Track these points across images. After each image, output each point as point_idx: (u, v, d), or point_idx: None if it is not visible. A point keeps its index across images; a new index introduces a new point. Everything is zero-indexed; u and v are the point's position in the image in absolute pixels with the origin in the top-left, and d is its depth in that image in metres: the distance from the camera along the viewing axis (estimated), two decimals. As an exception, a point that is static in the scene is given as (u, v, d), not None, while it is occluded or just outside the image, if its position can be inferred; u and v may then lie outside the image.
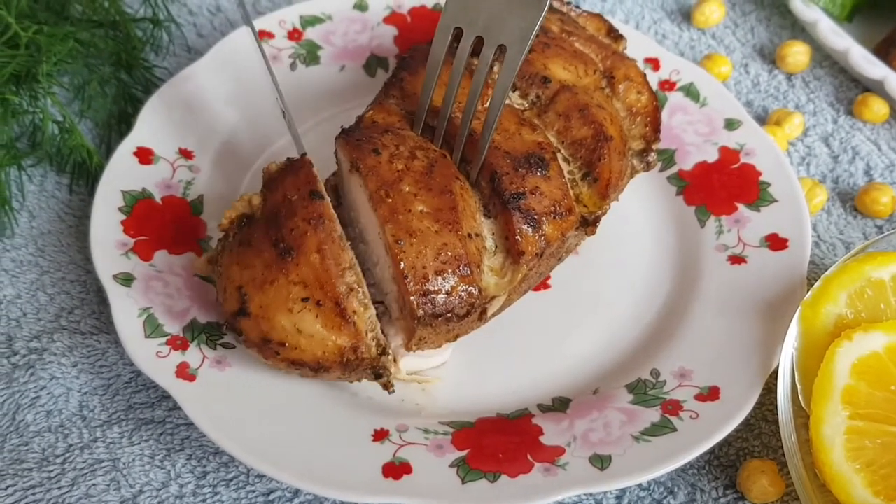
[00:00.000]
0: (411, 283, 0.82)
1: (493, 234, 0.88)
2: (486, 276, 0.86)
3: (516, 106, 0.95)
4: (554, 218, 0.88)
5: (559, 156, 0.92)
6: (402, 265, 0.82)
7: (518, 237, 0.86)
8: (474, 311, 0.85)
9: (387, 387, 0.86)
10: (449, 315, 0.83)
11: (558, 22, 1.03)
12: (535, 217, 0.87)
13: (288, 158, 0.91)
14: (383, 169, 0.86)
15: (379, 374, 0.84)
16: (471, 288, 0.84)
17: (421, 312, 0.83)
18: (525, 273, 0.87)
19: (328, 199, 0.87)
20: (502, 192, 0.86)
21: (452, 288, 0.83)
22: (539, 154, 0.89)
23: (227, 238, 0.87)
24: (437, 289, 0.83)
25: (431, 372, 0.92)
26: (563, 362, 0.94)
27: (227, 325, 0.84)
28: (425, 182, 0.86)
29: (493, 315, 0.89)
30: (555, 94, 0.94)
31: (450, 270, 0.83)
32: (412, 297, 0.82)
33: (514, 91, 0.94)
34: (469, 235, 0.85)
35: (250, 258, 0.84)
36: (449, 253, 0.83)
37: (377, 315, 0.86)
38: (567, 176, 0.91)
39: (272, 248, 0.83)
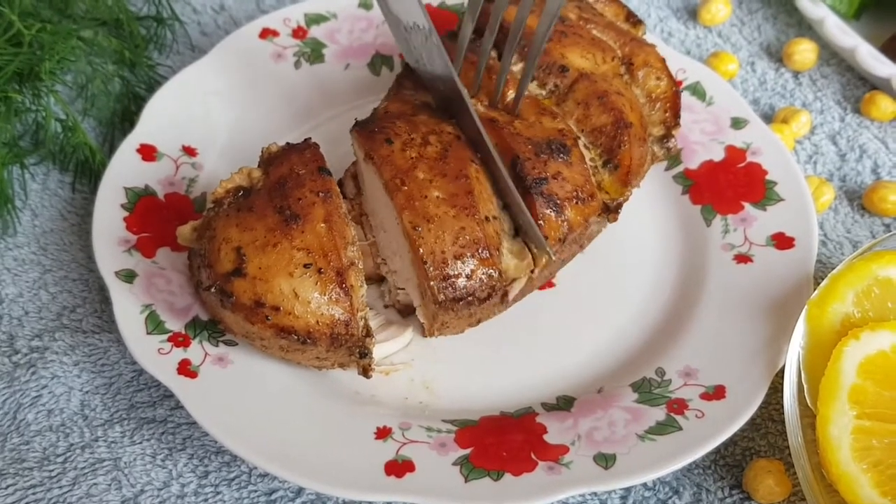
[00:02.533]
0: (431, 269, 0.83)
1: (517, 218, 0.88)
2: (505, 258, 0.86)
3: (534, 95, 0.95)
4: (576, 203, 0.88)
5: (580, 143, 0.92)
6: (421, 251, 0.83)
7: (541, 221, 0.86)
8: (496, 294, 0.85)
9: (367, 370, 0.86)
10: (470, 299, 0.84)
11: (576, 9, 1.02)
12: (558, 202, 0.87)
13: (288, 143, 0.91)
14: (397, 157, 0.86)
15: (363, 353, 0.84)
16: (490, 270, 0.84)
17: (442, 297, 0.83)
18: (549, 259, 0.87)
19: (333, 177, 0.88)
20: (524, 178, 0.87)
21: (472, 271, 0.84)
22: (560, 140, 0.89)
23: (221, 206, 0.87)
24: (456, 273, 0.83)
25: (397, 357, 0.92)
26: (567, 361, 0.94)
27: (215, 286, 0.83)
28: (440, 168, 0.86)
29: (515, 300, 0.89)
30: (573, 83, 0.94)
31: (469, 254, 0.84)
32: (432, 283, 0.83)
33: (532, 80, 0.94)
34: (486, 218, 0.85)
35: (252, 222, 0.84)
36: (467, 237, 0.84)
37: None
38: (588, 163, 0.91)
39: (276, 214, 0.84)
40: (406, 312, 0.94)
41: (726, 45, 1.24)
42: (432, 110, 0.92)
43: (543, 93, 0.95)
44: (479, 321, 0.89)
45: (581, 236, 0.91)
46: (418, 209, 0.84)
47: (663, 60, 1.01)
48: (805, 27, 1.25)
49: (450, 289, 0.83)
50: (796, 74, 1.20)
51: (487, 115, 0.91)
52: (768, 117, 1.16)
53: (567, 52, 0.96)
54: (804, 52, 1.19)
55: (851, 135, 1.14)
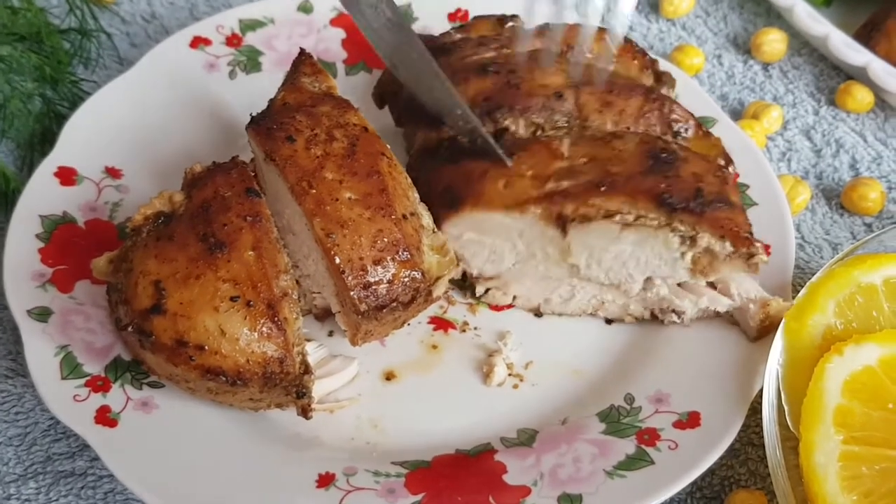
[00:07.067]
0: (350, 278, 0.78)
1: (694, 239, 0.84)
2: (426, 256, 0.82)
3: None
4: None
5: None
6: (337, 260, 0.78)
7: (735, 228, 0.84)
8: (420, 296, 0.81)
9: (306, 411, 0.80)
10: (394, 304, 0.79)
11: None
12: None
13: (214, 162, 0.85)
14: (301, 157, 0.81)
15: (301, 393, 0.78)
16: (413, 272, 0.80)
17: (364, 307, 0.78)
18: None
19: (264, 198, 0.82)
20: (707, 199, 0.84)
21: (394, 276, 0.79)
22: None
23: (139, 235, 0.81)
24: (377, 279, 0.79)
25: (343, 393, 0.86)
26: (528, 389, 0.87)
27: (133, 325, 0.77)
28: (349, 166, 0.81)
29: (438, 297, 0.84)
30: (576, 98, 0.90)
31: (388, 258, 0.79)
32: (352, 293, 0.78)
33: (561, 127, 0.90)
34: (404, 216, 0.81)
35: (172, 252, 0.78)
36: (385, 239, 0.79)
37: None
38: None
39: (199, 243, 0.78)
40: (324, 316, 0.88)
41: (691, 37, 1.18)
42: (334, 99, 0.87)
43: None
44: (404, 323, 0.85)
45: None
46: (330, 214, 0.79)
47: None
48: (774, 16, 1.20)
49: (371, 297, 0.78)
50: (766, 66, 1.15)
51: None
52: (737, 113, 1.11)
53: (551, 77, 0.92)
54: (773, 42, 1.14)
55: (827, 128, 1.09)
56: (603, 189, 0.83)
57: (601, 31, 0.95)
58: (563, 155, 0.86)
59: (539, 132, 0.89)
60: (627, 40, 0.95)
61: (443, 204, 0.86)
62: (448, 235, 0.86)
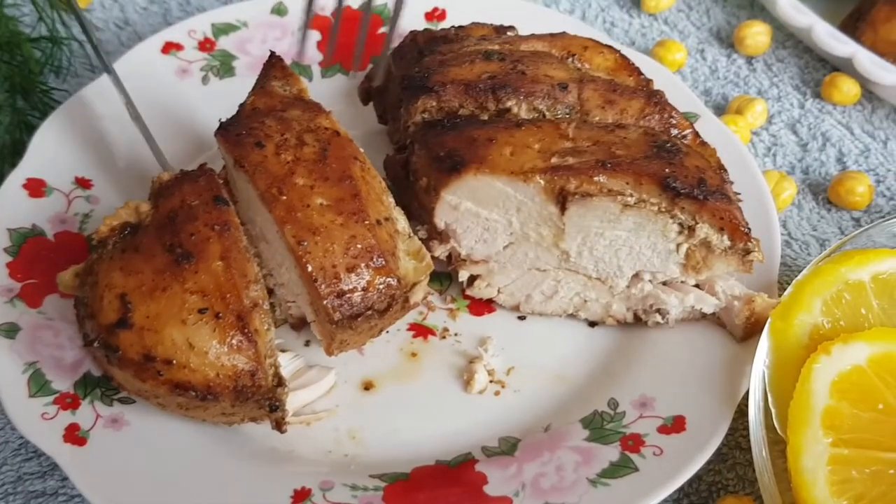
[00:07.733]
0: (322, 286, 0.76)
1: (697, 227, 0.82)
2: (402, 262, 0.80)
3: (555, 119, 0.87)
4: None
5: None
6: (310, 268, 0.76)
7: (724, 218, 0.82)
8: (396, 303, 0.79)
9: (280, 425, 0.78)
10: (369, 312, 0.78)
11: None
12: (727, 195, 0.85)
13: (181, 170, 0.83)
14: (271, 163, 0.79)
15: (274, 406, 0.76)
16: (388, 279, 0.78)
17: (338, 316, 0.76)
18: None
19: (233, 206, 0.80)
20: (710, 189, 0.81)
21: (368, 283, 0.77)
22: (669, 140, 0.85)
23: (105, 247, 0.79)
24: (351, 287, 0.77)
25: (320, 404, 0.84)
26: (510, 396, 0.85)
27: (99, 340, 0.75)
28: (320, 171, 0.79)
29: (416, 304, 0.82)
30: (580, 92, 0.88)
31: (362, 265, 0.77)
32: (325, 301, 0.76)
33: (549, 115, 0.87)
34: (378, 221, 0.79)
35: (138, 264, 0.76)
36: (359, 245, 0.77)
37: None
38: None
39: (166, 254, 0.76)
40: (300, 326, 0.87)
41: (673, 32, 1.16)
42: (305, 103, 0.85)
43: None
44: (381, 331, 0.83)
45: None
46: (301, 221, 0.77)
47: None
48: (757, 8, 1.18)
49: (346, 306, 0.76)
50: (750, 60, 1.14)
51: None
52: (721, 108, 1.09)
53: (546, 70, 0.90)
54: (757, 35, 1.12)
55: (813, 122, 1.08)
56: (608, 167, 0.81)
57: (600, 44, 0.94)
58: (568, 136, 0.84)
59: (540, 119, 0.87)
60: (623, 57, 0.94)
61: (444, 168, 0.83)
62: (446, 204, 0.84)
